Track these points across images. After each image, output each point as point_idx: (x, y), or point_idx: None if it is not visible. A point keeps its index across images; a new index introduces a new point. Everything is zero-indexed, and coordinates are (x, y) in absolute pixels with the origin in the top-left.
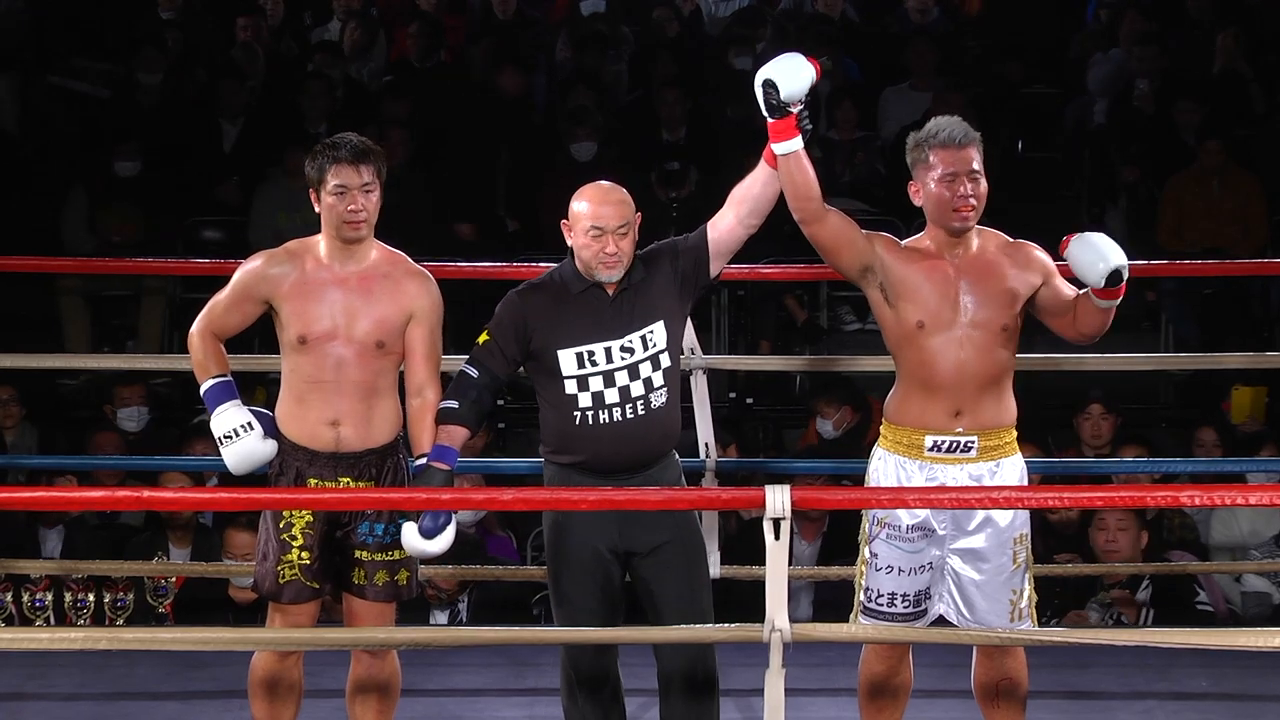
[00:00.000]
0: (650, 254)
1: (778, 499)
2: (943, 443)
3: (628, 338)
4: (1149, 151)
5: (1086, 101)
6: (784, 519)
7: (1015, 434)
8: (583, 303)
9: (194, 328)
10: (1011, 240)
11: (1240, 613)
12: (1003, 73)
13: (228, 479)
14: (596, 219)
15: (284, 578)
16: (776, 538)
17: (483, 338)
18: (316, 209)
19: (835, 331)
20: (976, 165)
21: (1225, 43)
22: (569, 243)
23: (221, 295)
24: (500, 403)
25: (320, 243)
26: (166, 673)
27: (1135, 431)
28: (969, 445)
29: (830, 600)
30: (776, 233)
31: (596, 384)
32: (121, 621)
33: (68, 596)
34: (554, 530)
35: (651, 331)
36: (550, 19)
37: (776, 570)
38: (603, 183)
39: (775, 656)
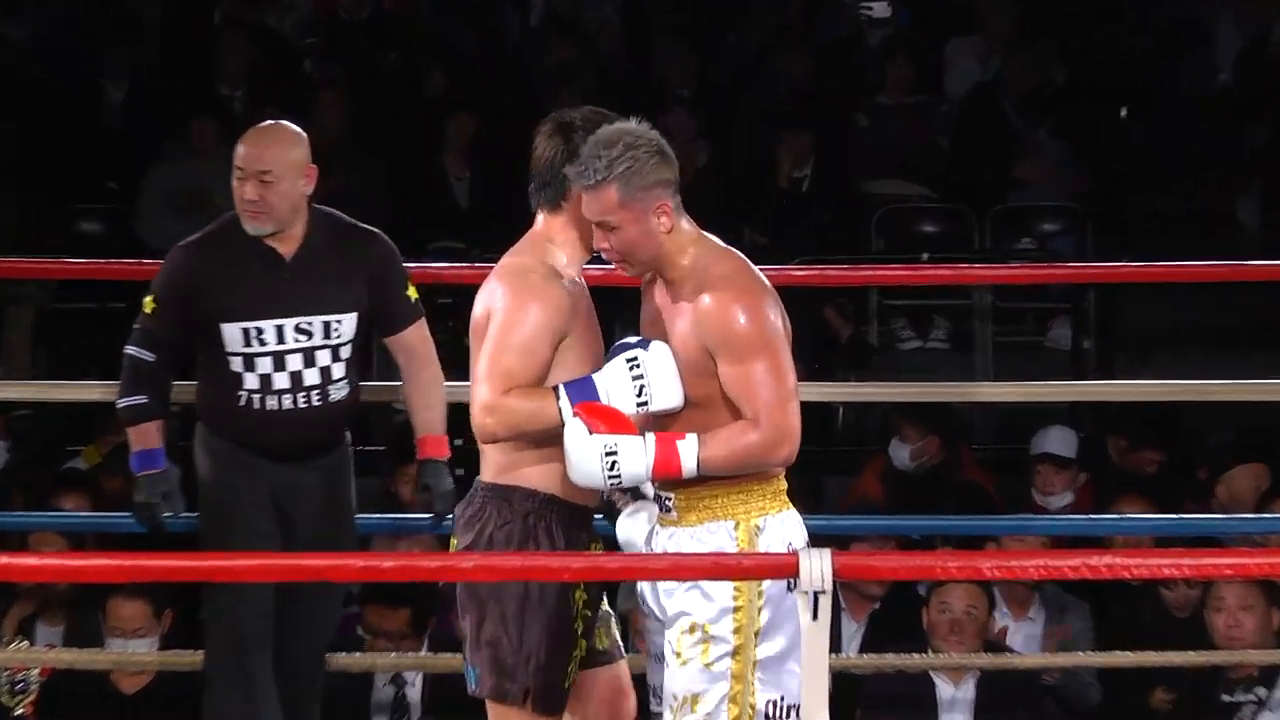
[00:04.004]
0: (358, 234)
1: (815, 566)
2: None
3: (306, 319)
4: None
5: (1207, 56)
6: (824, 592)
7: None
8: (255, 267)
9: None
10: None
11: None
12: (1097, 22)
13: (109, 540)
14: (241, 158)
15: (570, 679)
16: (815, 617)
17: (148, 305)
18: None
19: (889, 351)
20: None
21: None
22: None
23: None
24: (458, 441)
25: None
26: None
27: None
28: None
29: (885, 697)
30: (812, 225)
31: (264, 365)
32: None
33: None
34: (215, 516)
35: (340, 321)
36: None
37: (815, 660)
38: (276, 122)
39: None
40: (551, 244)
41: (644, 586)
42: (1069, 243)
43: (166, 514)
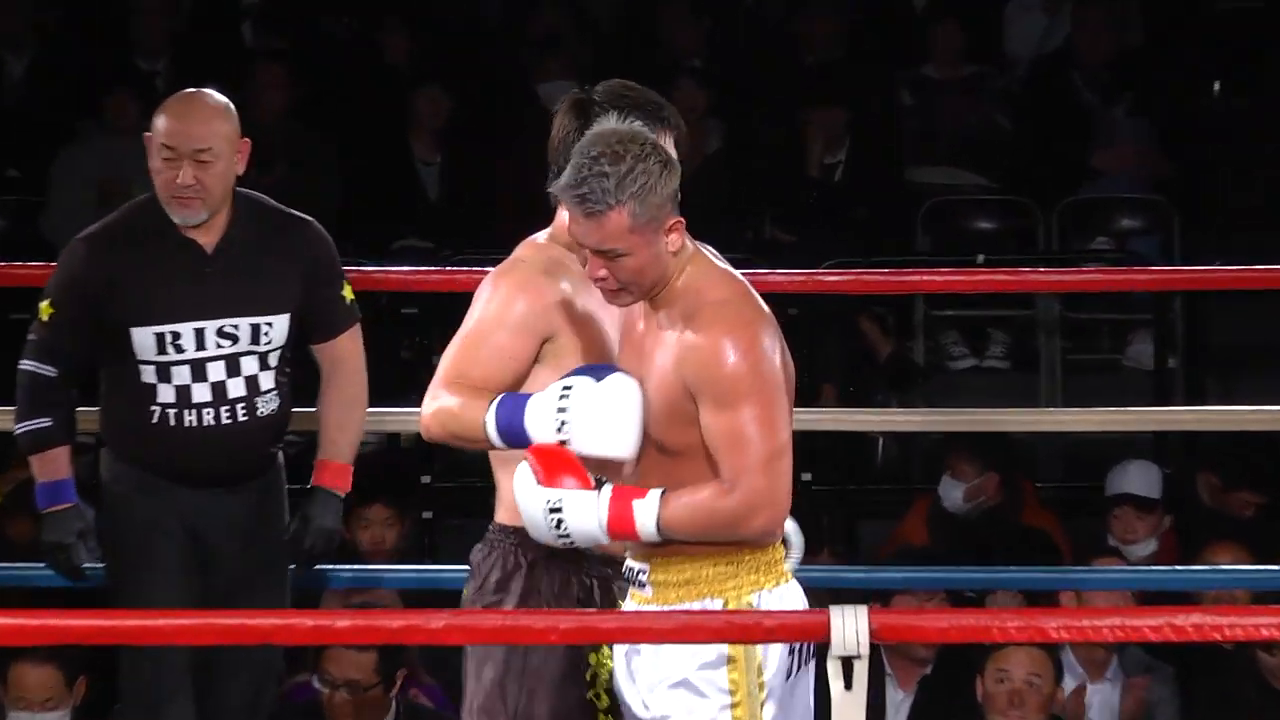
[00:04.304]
0: (289, 222)
1: (849, 627)
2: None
3: (230, 321)
4: None
5: None
6: (859, 658)
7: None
8: (171, 262)
9: None
10: None
11: None
12: None
13: (11, 595)
14: (170, 136)
15: None
16: (848, 686)
17: (45, 310)
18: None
19: (937, 371)
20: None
21: None
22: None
23: None
24: (425, 480)
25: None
26: None
27: None
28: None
29: None
30: (846, 221)
31: (182, 375)
32: None
33: None
34: (123, 558)
35: (270, 324)
36: None
37: None
38: (200, 90)
39: None
40: (570, 239)
41: (622, 686)
42: (1152, 243)
43: (84, 560)
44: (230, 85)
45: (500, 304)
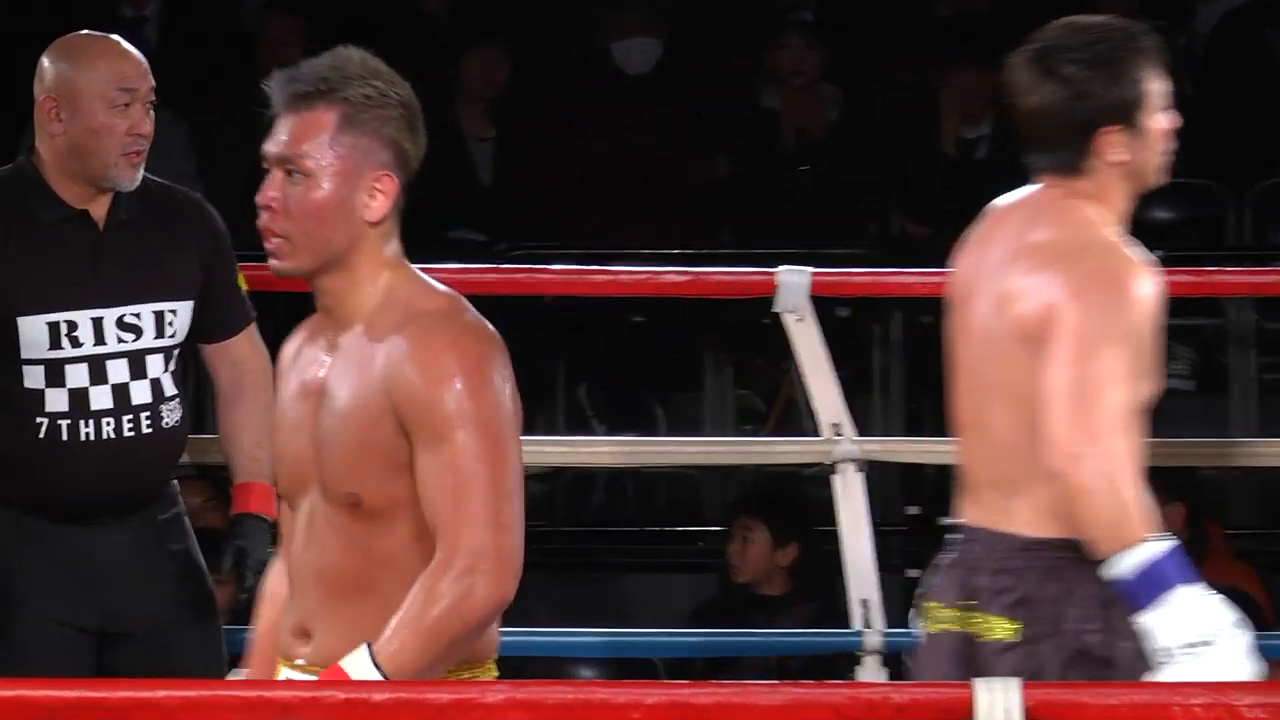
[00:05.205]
0: (182, 199)
1: (998, 704)
2: None
3: (130, 309)
4: None
5: None
6: None
7: None
8: (60, 237)
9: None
10: None
11: None
12: None
13: None
14: (128, 78)
15: None
16: None
17: None
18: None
19: None
20: None
21: None
22: (52, 130)
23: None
24: None
25: None
26: None
27: None
28: None
29: None
30: (975, 203)
31: (78, 376)
32: None
33: None
34: None
35: (174, 312)
36: None
37: None
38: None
39: None
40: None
41: None
42: None
43: None
44: (236, 42)
45: (1115, 312)
